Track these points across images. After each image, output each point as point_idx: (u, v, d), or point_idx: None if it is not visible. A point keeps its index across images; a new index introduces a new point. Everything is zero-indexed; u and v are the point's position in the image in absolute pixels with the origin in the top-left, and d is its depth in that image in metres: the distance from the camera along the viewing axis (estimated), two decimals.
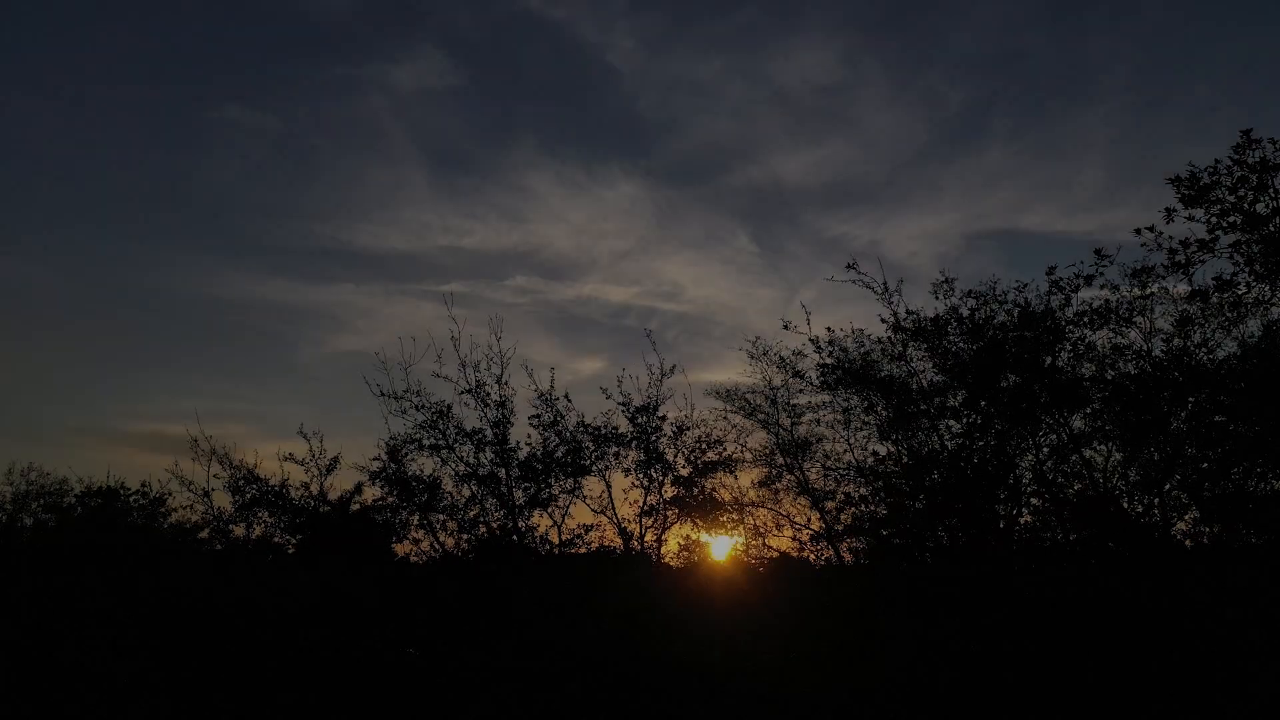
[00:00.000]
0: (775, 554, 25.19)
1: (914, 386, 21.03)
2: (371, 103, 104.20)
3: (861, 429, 21.97)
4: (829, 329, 22.14)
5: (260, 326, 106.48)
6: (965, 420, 20.04)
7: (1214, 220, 16.70)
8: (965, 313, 21.37)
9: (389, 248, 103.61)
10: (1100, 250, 20.01)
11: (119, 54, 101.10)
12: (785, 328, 21.99)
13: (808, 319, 21.97)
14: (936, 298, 21.52)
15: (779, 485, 22.87)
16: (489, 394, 16.72)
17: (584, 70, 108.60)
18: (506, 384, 16.85)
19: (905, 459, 21.04)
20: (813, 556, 23.68)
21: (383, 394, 16.73)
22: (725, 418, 23.69)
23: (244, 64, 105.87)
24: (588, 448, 16.88)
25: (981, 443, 19.53)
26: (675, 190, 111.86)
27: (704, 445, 17.26)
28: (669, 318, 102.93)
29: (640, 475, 17.01)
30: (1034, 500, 20.49)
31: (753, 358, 23.64)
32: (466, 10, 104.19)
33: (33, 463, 30.45)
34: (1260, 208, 16.14)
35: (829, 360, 21.71)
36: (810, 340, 21.99)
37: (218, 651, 19.90)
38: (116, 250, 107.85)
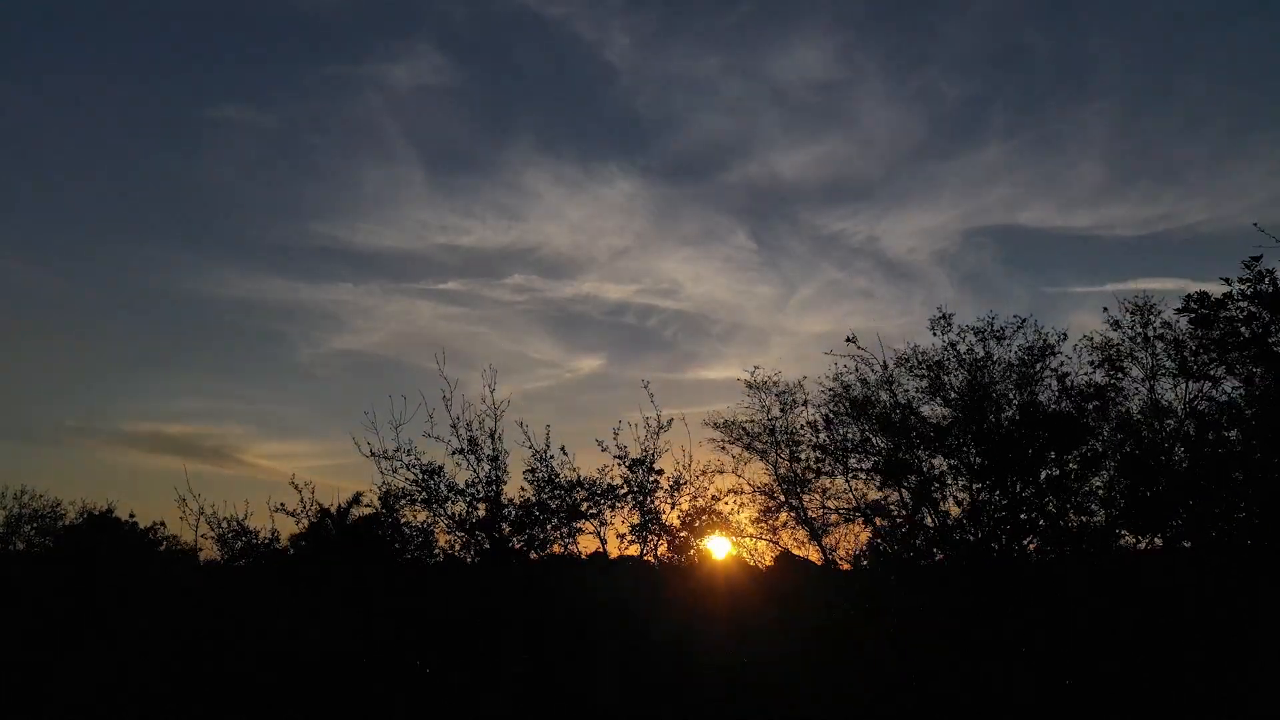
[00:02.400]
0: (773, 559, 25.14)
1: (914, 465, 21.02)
2: (368, 101, 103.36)
3: (859, 474, 21.87)
4: (826, 417, 21.85)
5: (258, 326, 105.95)
6: (967, 537, 20.04)
7: (1227, 342, 16.58)
8: (963, 348, 21.24)
9: (387, 246, 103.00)
10: (1110, 359, 19.99)
11: (116, 54, 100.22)
12: (783, 410, 22.13)
13: (804, 402, 22.13)
14: (934, 334, 21.39)
15: (776, 522, 22.74)
16: (481, 449, 16.46)
17: (581, 68, 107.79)
18: (499, 438, 16.59)
19: (907, 500, 20.87)
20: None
21: (372, 454, 16.49)
22: (724, 448, 23.56)
23: (241, 62, 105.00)
24: (583, 504, 16.66)
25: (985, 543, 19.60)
26: (673, 188, 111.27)
27: (699, 510, 17.02)
28: (667, 315, 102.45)
29: (636, 536, 16.82)
30: (1035, 540, 20.39)
31: (751, 388, 23.51)
32: (463, 8, 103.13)
33: (25, 485, 30.24)
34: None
35: (824, 442, 21.68)
36: (808, 424, 22.16)
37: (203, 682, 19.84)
38: (113, 250, 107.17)
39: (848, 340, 21.35)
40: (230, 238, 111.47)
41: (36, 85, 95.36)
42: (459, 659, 17.73)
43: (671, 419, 16.95)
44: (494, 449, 16.59)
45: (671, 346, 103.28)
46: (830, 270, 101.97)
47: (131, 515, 37.21)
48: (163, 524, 37.78)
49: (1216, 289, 17.76)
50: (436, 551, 17.61)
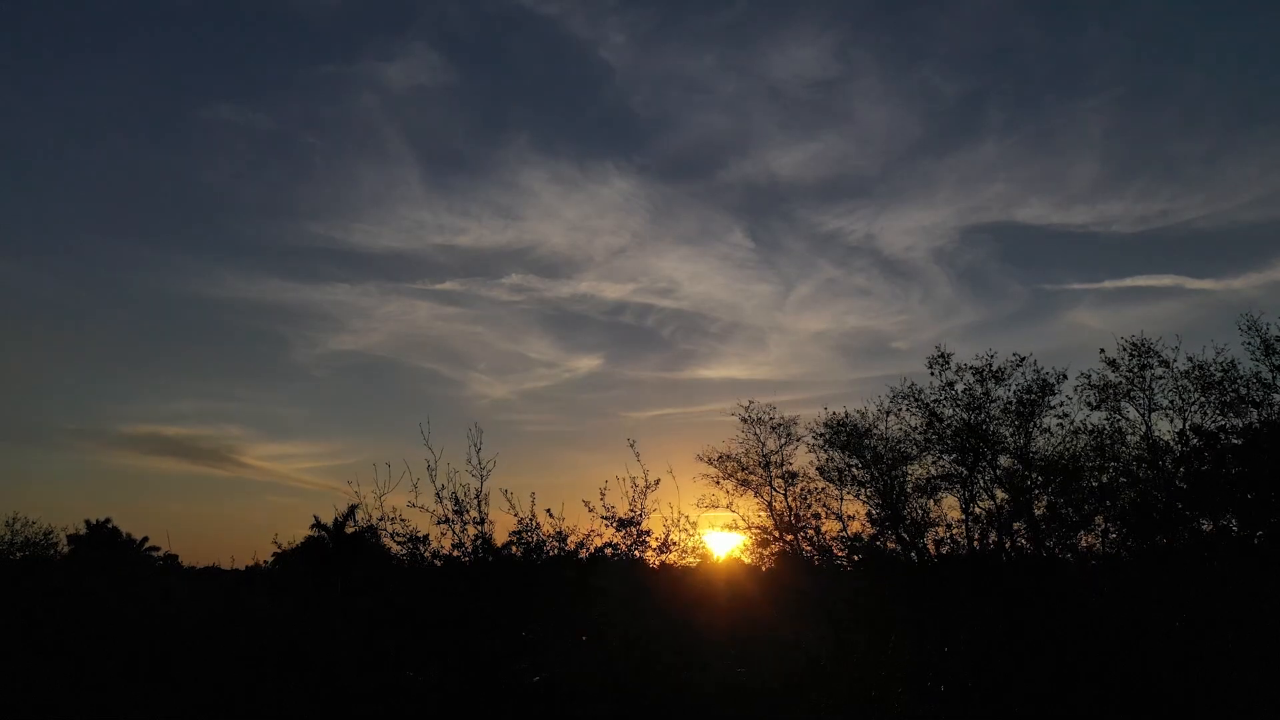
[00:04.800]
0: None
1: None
2: (364, 101, 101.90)
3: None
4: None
5: (256, 327, 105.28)
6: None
7: None
8: (961, 387, 20.97)
9: (383, 247, 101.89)
10: (1111, 482, 19.74)
11: (110, 55, 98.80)
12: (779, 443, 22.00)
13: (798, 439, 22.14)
14: (932, 373, 21.10)
15: (768, 566, 22.66)
16: (467, 513, 16.18)
17: (576, 67, 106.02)
18: (485, 500, 16.31)
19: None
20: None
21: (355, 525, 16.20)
22: (718, 482, 23.42)
23: (235, 62, 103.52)
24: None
25: None
26: (669, 186, 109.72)
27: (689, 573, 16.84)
28: (665, 314, 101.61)
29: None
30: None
31: (746, 421, 23.34)
32: (458, 7, 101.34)
33: (18, 513, 30.03)
34: None
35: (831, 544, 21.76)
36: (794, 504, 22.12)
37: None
38: (110, 251, 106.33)
39: (841, 423, 21.79)
40: (226, 239, 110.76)
41: (32, 87, 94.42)
42: (454, 665, 17.64)
43: (659, 479, 16.60)
44: (480, 513, 16.29)
45: (669, 345, 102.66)
46: (828, 268, 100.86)
47: (129, 534, 37.50)
48: (155, 548, 38.11)
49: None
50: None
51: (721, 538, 23.59)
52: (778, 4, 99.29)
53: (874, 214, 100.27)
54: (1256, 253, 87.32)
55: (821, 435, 21.80)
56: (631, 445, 16.82)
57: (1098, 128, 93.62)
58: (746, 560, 25.49)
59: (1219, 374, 19.53)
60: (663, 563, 18.67)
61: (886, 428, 21.68)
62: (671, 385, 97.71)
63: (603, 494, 16.68)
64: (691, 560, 17.19)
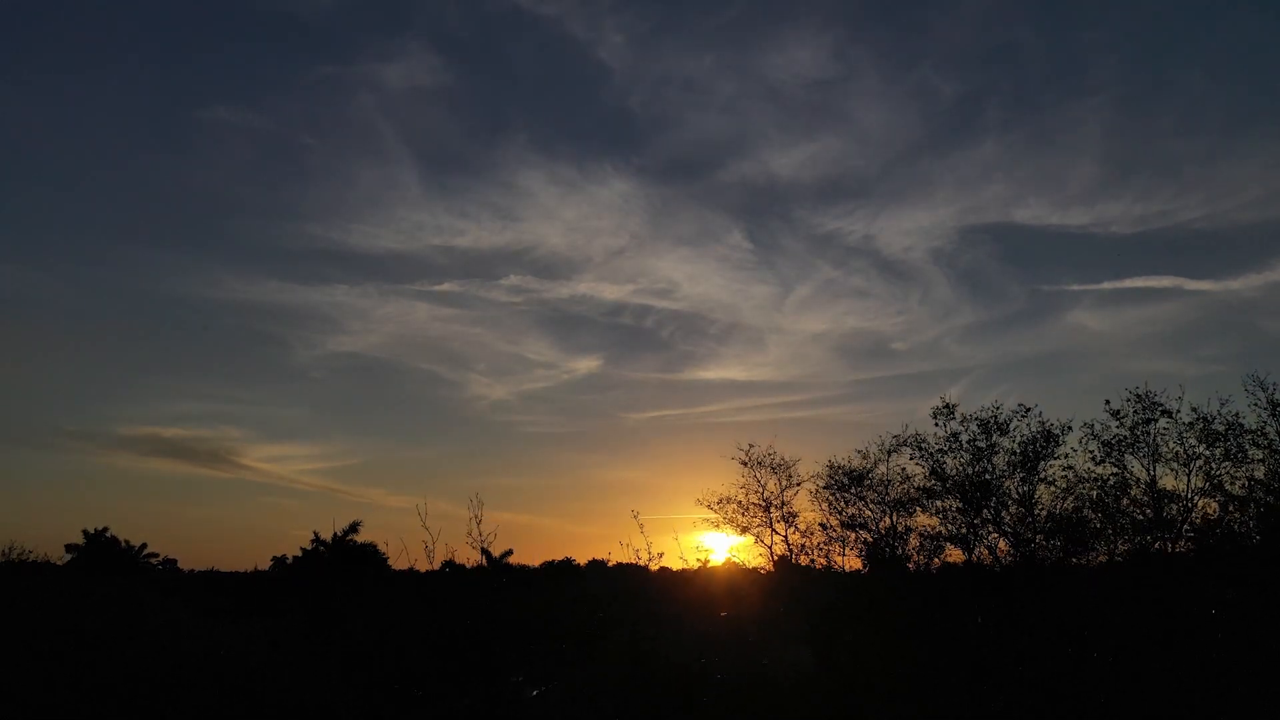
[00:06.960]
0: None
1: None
2: (361, 102, 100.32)
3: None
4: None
5: (254, 329, 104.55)
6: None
7: None
8: (965, 438, 20.85)
9: (382, 248, 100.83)
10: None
11: (107, 56, 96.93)
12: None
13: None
14: (936, 424, 21.00)
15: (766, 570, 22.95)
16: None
17: (575, 67, 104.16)
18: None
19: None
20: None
21: None
22: (718, 527, 23.45)
23: (233, 64, 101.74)
24: None
25: None
26: (668, 187, 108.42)
27: None
28: (664, 315, 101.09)
29: None
30: None
31: (746, 465, 23.30)
32: (455, 7, 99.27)
33: (15, 542, 29.73)
34: None
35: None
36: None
37: None
38: (108, 253, 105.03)
39: (840, 485, 21.61)
40: (225, 240, 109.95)
41: (30, 88, 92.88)
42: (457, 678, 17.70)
43: (663, 552, 16.70)
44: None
45: (668, 346, 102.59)
46: (826, 269, 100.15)
47: (127, 542, 37.50)
48: (154, 554, 38.28)
49: None
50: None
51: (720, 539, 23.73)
52: (776, 4, 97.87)
53: (872, 214, 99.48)
54: (1255, 254, 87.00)
55: (827, 488, 21.77)
56: (635, 516, 16.90)
57: (1096, 128, 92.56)
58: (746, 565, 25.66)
59: (1222, 427, 19.47)
60: (662, 566, 18.76)
61: (888, 469, 21.71)
62: (670, 386, 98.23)
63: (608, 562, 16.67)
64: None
